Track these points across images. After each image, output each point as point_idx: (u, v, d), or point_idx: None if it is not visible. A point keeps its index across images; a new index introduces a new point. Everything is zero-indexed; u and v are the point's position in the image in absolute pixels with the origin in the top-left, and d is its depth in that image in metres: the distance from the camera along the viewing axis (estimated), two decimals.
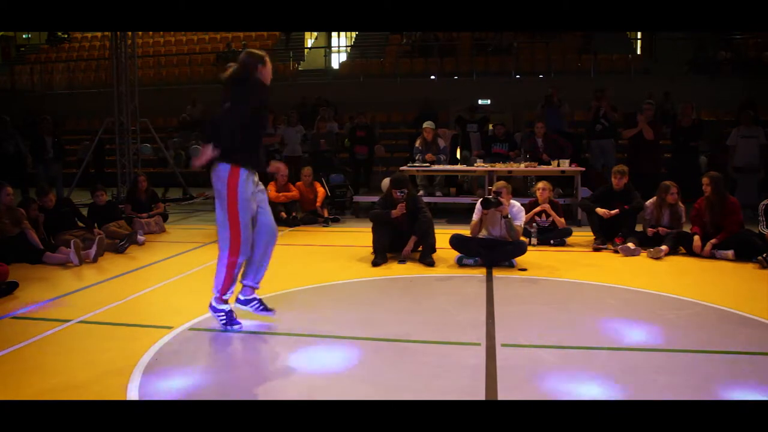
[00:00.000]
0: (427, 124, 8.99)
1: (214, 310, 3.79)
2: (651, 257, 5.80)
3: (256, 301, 3.87)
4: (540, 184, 6.69)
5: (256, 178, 3.70)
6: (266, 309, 3.87)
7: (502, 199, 5.45)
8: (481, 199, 5.56)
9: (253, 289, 3.86)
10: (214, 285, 3.71)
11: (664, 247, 5.83)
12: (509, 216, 5.47)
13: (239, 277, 3.79)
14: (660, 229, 6.15)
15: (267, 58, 3.70)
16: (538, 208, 6.60)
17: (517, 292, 4.70)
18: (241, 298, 3.87)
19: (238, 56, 3.71)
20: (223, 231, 3.61)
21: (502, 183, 5.69)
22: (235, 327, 3.75)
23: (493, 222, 5.58)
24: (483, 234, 5.63)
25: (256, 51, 3.73)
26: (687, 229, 6.14)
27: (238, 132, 3.53)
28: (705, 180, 6.02)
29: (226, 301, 3.78)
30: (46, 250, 5.75)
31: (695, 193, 6.27)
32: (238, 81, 3.62)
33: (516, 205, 5.66)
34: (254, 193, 3.65)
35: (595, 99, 9.36)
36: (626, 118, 9.13)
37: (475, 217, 5.60)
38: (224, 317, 3.76)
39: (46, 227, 6.29)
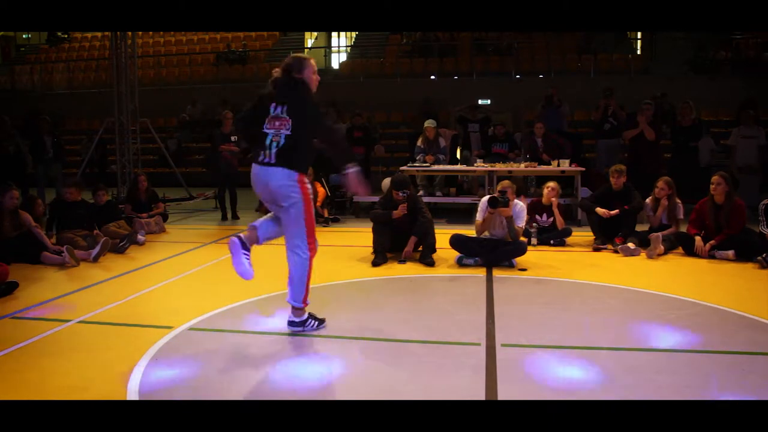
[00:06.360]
0: (429, 123, 9.01)
1: (295, 324, 3.63)
2: (648, 257, 5.81)
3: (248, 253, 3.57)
4: (550, 184, 6.71)
5: None
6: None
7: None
8: (489, 197, 5.55)
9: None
10: (294, 295, 3.55)
11: (660, 247, 5.83)
12: (512, 216, 5.48)
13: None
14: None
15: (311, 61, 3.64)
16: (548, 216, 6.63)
17: (517, 292, 4.70)
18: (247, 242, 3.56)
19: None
20: (299, 229, 3.46)
21: (507, 183, 5.69)
22: (324, 325, 3.70)
23: (494, 223, 5.59)
24: (484, 234, 5.64)
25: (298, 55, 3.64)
26: (684, 227, 6.13)
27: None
28: (716, 179, 5.75)
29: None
30: (44, 249, 5.76)
31: (695, 193, 6.25)
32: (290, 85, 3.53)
33: (519, 204, 5.66)
34: None
35: (603, 98, 9.37)
36: (626, 118, 9.14)
37: (480, 217, 5.60)
38: (314, 322, 3.67)
39: (56, 224, 6.46)
